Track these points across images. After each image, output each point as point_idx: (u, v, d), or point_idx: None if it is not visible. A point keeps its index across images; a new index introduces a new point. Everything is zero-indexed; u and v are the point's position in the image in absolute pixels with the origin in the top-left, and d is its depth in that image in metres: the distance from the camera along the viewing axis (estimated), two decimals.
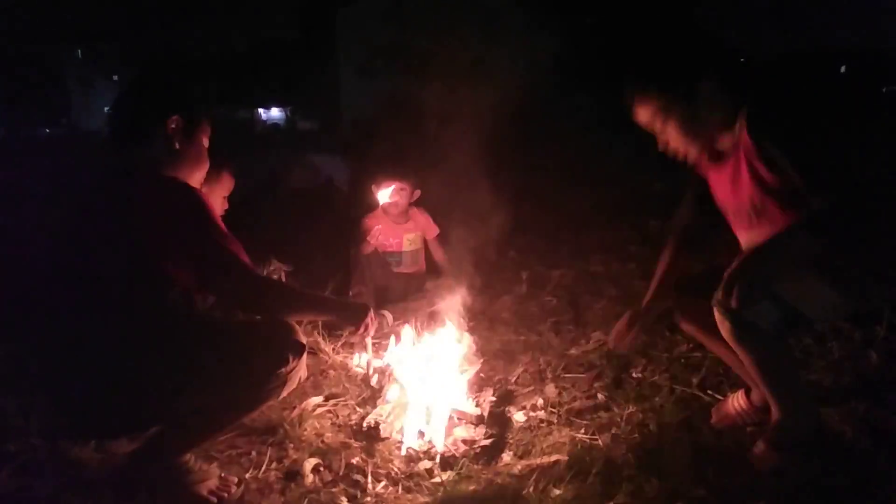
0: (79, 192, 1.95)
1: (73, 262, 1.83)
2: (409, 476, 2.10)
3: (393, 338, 3.00)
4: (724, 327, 1.86)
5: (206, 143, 2.01)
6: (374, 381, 2.72)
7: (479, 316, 3.59)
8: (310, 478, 2.08)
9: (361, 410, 2.54)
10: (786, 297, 1.83)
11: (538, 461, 2.11)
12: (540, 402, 2.58)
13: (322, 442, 2.31)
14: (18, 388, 2.48)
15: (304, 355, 1.96)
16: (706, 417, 2.36)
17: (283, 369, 1.87)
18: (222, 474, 2.06)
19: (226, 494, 1.99)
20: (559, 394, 2.65)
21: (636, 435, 2.26)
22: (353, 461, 2.17)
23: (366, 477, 2.09)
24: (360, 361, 2.99)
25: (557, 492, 1.92)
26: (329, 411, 2.56)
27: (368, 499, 2.00)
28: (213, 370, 1.80)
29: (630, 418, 2.36)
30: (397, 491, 2.03)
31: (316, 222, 5.13)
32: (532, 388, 2.73)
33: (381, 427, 2.34)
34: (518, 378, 2.84)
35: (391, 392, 2.57)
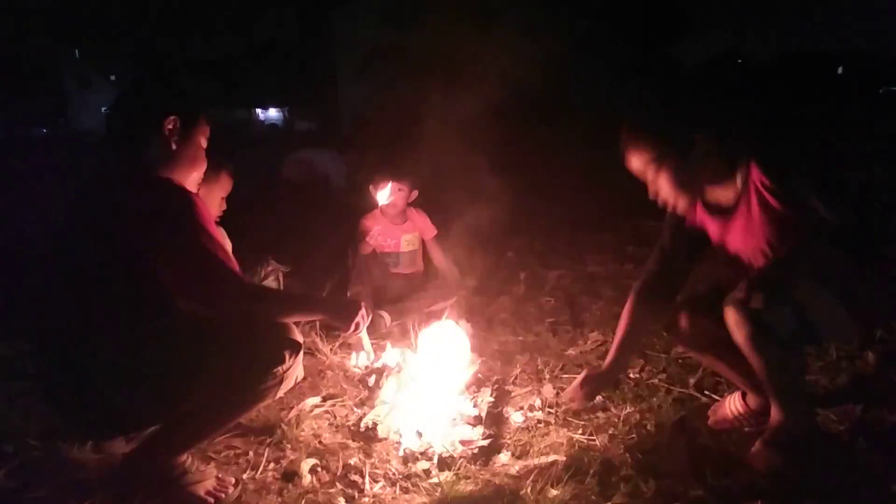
0: (74, 193, 1.95)
1: (69, 263, 1.83)
2: (407, 476, 2.10)
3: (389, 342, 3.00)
4: (741, 326, 1.84)
5: (203, 143, 2.00)
6: (371, 381, 2.72)
7: (477, 316, 3.59)
8: (307, 478, 2.08)
9: (359, 411, 2.54)
10: (808, 310, 1.82)
11: (536, 462, 2.11)
12: (537, 402, 2.58)
13: (319, 442, 2.31)
14: (15, 389, 2.48)
15: (301, 354, 1.96)
16: (703, 418, 2.37)
17: (280, 368, 1.87)
18: (219, 475, 2.05)
19: (223, 495, 1.99)
20: (557, 394, 2.65)
21: (633, 435, 2.27)
22: (351, 462, 2.17)
23: (363, 477, 2.09)
24: (357, 362, 2.99)
25: (555, 492, 1.92)
26: (327, 412, 2.55)
27: (366, 499, 2.00)
28: (209, 369, 1.80)
29: (627, 419, 2.36)
30: (395, 491, 2.03)
31: (314, 221, 5.13)
32: (530, 388, 2.74)
33: (378, 428, 2.34)
34: (516, 378, 2.84)
35: (389, 392, 2.57)
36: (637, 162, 1.99)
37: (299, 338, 1.98)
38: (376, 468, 2.15)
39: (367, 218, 3.91)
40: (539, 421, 2.44)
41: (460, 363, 2.76)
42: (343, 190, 6.04)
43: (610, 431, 2.30)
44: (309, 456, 2.19)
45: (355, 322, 2.06)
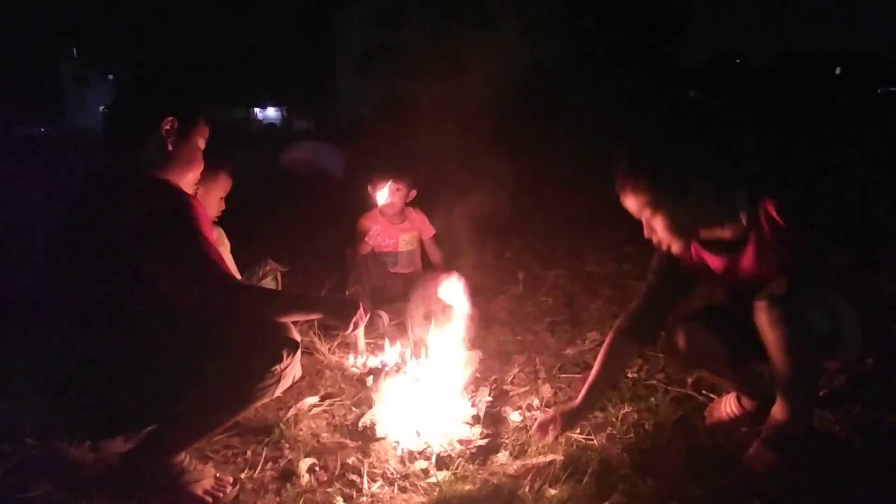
0: (72, 192, 1.95)
1: (66, 263, 1.83)
2: (405, 476, 2.10)
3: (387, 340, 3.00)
4: (777, 324, 1.80)
5: (201, 145, 1.99)
6: (369, 380, 2.72)
7: (475, 316, 3.59)
8: (305, 478, 2.08)
9: (357, 410, 2.54)
10: (841, 321, 1.82)
11: (534, 461, 2.11)
12: (536, 402, 2.58)
13: (318, 442, 2.31)
14: (13, 389, 2.47)
15: (299, 353, 1.96)
16: (701, 418, 2.37)
17: (278, 367, 1.87)
18: (217, 474, 2.05)
19: (221, 494, 1.99)
20: (555, 394, 2.66)
21: (631, 435, 2.27)
22: (349, 461, 2.17)
23: (361, 477, 2.09)
24: (355, 361, 2.99)
25: (553, 492, 1.92)
26: (325, 411, 2.56)
27: (364, 499, 1.99)
28: (207, 368, 1.80)
29: (625, 418, 2.36)
30: (393, 491, 2.03)
31: (312, 218, 5.13)
32: (528, 387, 2.74)
33: (376, 427, 2.34)
34: (514, 378, 2.85)
35: (387, 392, 2.57)
36: (632, 204, 1.95)
37: (297, 337, 1.98)
38: (374, 467, 2.15)
39: (365, 217, 3.91)
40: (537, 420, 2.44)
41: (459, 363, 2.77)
42: (341, 182, 6.05)
43: (608, 431, 2.30)
44: (307, 455, 2.19)
45: (354, 321, 2.05)
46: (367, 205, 3.92)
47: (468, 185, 3.89)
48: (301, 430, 2.37)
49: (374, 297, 3.68)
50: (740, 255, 1.97)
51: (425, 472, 2.12)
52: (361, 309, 2.08)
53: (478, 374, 2.80)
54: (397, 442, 2.26)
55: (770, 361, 1.89)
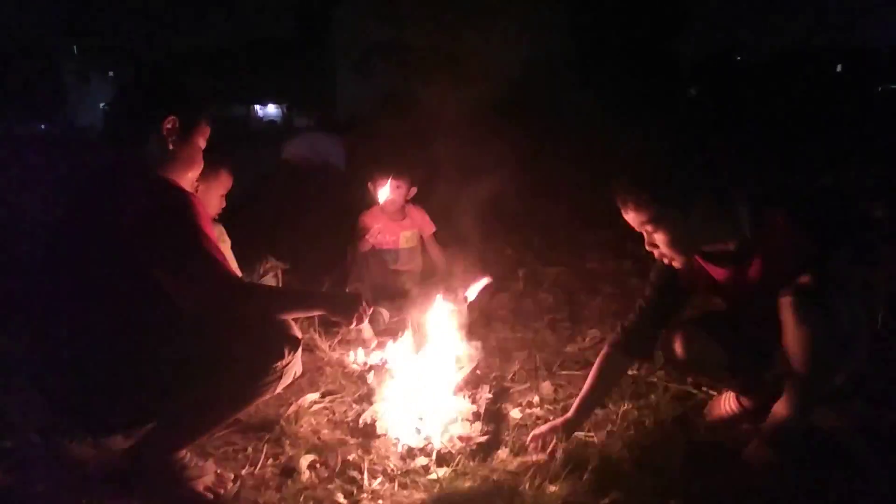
0: (71, 190, 1.95)
1: (66, 260, 1.83)
2: (406, 472, 2.10)
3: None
4: (803, 312, 1.77)
5: (202, 145, 1.99)
6: (370, 377, 2.73)
7: (476, 313, 3.59)
8: (306, 474, 2.08)
9: (358, 407, 2.54)
10: (859, 323, 1.81)
11: (534, 458, 2.12)
12: (536, 399, 2.58)
13: (318, 438, 2.32)
14: (14, 385, 2.48)
15: (300, 349, 1.96)
16: (701, 415, 2.38)
17: (280, 363, 1.88)
18: (218, 470, 2.06)
19: (222, 490, 1.99)
20: (555, 391, 2.66)
21: (631, 432, 2.27)
22: (350, 458, 2.18)
23: (362, 473, 2.09)
24: (356, 358, 2.99)
25: (553, 488, 1.92)
26: (325, 408, 2.56)
27: (365, 495, 2.00)
28: (208, 365, 1.80)
29: (625, 415, 2.36)
30: (393, 487, 2.03)
31: (314, 212, 5.13)
32: (528, 385, 2.74)
33: (377, 424, 2.35)
34: (514, 375, 2.85)
35: (388, 389, 2.57)
36: (633, 219, 1.93)
37: (298, 333, 1.98)
38: (375, 464, 2.15)
39: (366, 215, 3.91)
40: (538, 417, 2.44)
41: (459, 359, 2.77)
42: (342, 173, 6.06)
43: (608, 428, 2.30)
44: (307, 452, 2.19)
45: (357, 316, 2.05)
46: (368, 201, 3.92)
47: (468, 182, 3.89)
48: (302, 426, 2.37)
49: (374, 294, 3.68)
50: (747, 266, 1.95)
51: (426, 468, 2.12)
52: (364, 303, 2.07)
53: (478, 372, 2.81)
54: (398, 438, 2.27)
55: (787, 357, 1.86)
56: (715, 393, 2.49)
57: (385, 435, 2.31)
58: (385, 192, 3.77)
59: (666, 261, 1.98)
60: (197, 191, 2.47)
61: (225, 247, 2.81)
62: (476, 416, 2.41)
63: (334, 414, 2.52)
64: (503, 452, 2.20)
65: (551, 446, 2.13)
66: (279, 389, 1.97)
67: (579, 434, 2.26)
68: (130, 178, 1.81)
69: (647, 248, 1.98)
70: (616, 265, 4.49)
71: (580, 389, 2.60)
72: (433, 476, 2.06)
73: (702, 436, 2.24)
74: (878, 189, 5.66)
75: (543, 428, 2.21)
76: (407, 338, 2.92)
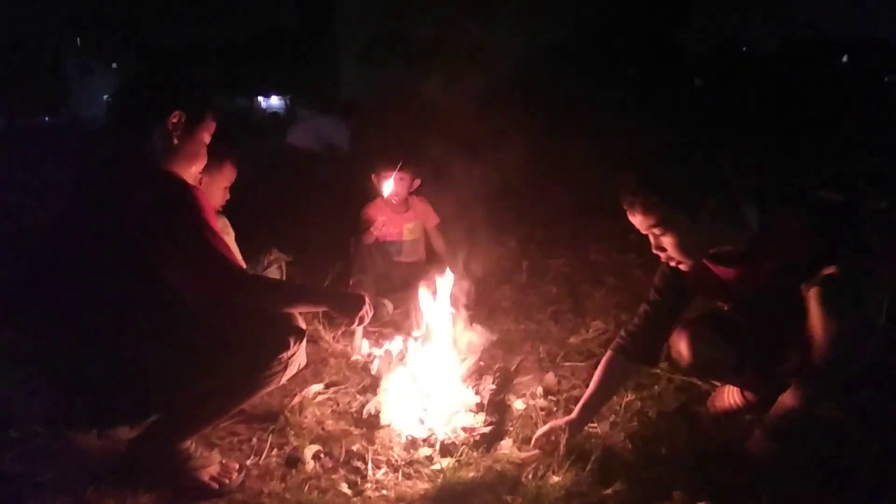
0: (75, 182, 1.95)
1: (71, 252, 1.84)
2: (409, 463, 2.11)
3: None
4: (833, 303, 1.74)
5: (206, 140, 1.99)
6: (374, 368, 2.74)
7: (480, 305, 3.60)
8: (310, 464, 2.10)
9: (362, 398, 2.55)
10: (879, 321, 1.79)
11: (537, 449, 2.12)
12: (539, 390, 2.59)
13: (322, 429, 2.33)
14: (21, 375, 2.49)
15: (304, 341, 1.97)
16: (704, 406, 2.38)
17: (285, 354, 1.89)
18: (223, 461, 2.07)
19: (227, 480, 2.00)
20: (558, 382, 2.67)
21: (635, 423, 2.28)
22: (354, 448, 2.19)
23: (366, 464, 2.10)
24: (360, 349, 3.00)
25: (556, 479, 1.93)
26: (329, 399, 2.57)
27: (368, 485, 2.01)
28: (214, 356, 1.81)
29: (629, 406, 2.37)
30: (397, 477, 2.05)
31: (317, 200, 5.14)
32: (531, 376, 2.75)
33: (381, 414, 2.36)
34: (518, 366, 2.85)
35: (392, 380, 2.58)
36: (640, 222, 1.91)
37: (303, 325, 1.99)
38: (379, 454, 2.16)
39: (369, 207, 3.91)
40: (541, 408, 2.45)
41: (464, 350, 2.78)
42: (345, 153, 6.08)
43: (611, 419, 2.31)
44: (312, 442, 2.20)
45: (359, 316, 2.06)
46: (372, 193, 3.92)
47: (472, 174, 3.88)
48: (306, 417, 2.38)
49: (378, 285, 3.69)
50: (756, 266, 1.94)
51: (429, 459, 2.13)
52: (367, 304, 2.09)
53: (482, 363, 2.81)
54: (402, 429, 2.28)
55: (806, 350, 1.83)
56: (718, 384, 2.49)
57: (389, 425, 2.32)
58: (389, 185, 3.77)
59: (673, 263, 1.97)
60: (201, 183, 2.47)
61: (229, 239, 2.81)
62: (480, 407, 2.41)
63: (338, 405, 2.53)
64: (507, 443, 2.21)
65: (557, 444, 2.14)
66: (284, 380, 1.98)
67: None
68: (134, 171, 1.81)
69: (654, 251, 1.96)
70: (620, 257, 4.48)
71: (584, 381, 2.61)
72: (437, 466, 2.07)
73: (705, 427, 2.24)
74: (883, 180, 5.64)
75: (545, 428, 2.21)
76: (410, 329, 2.93)
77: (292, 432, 2.28)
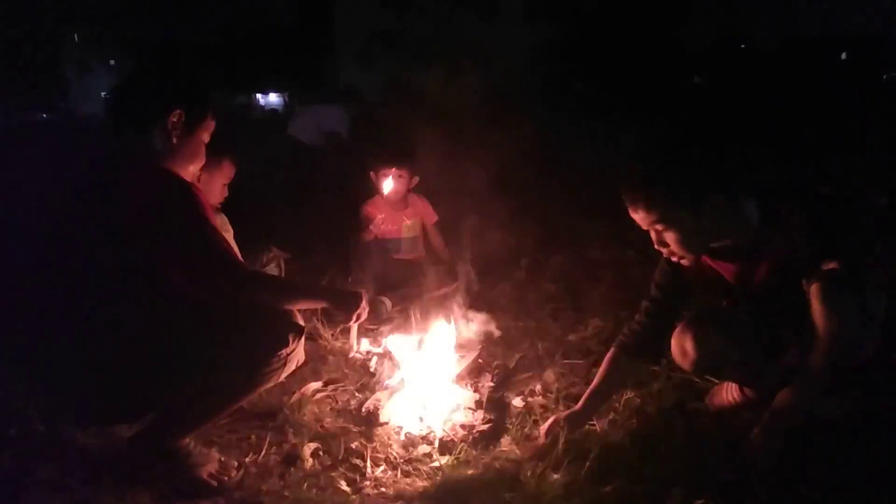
0: (74, 180, 1.95)
1: (70, 249, 1.83)
2: (408, 460, 2.12)
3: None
4: (834, 300, 1.73)
5: (206, 139, 1.99)
6: (373, 366, 2.74)
7: (479, 302, 3.60)
8: (309, 462, 2.10)
9: (360, 395, 2.55)
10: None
11: (540, 441, 2.12)
12: (538, 387, 2.59)
13: (321, 427, 2.33)
14: (19, 374, 2.49)
15: (303, 338, 1.97)
16: (703, 403, 2.38)
17: (284, 351, 1.89)
18: (222, 458, 2.07)
19: (226, 478, 2.01)
20: (557, 379, 2.67)
21: (634, 420, 2.27)
22: (353, 446, 2.19)
23: (365, 461, 2.10)
24: (358, 347, 3.00)
25: (555, 476, 1.93)
26: (328, 396, 2.57)
27: (367, 483, 2.01)
28: (213, 353, 1.81)
29: (627, 404, 2.37)
30: (396, 475, 2.05)
31: (318, 196, 5.14)
32: (530, 373, 2.75)
33: (379, 412, 2.36)
34: (516, 364, 2.85)
35: (390, 377, 2.58)
36: (642, 218, 1.91)
37: (301, 322, 1.99)
38: (378, 452, 2.16)
39: (368, 204, 3.91)
40: (540, 406, 2.45)
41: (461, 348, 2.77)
42: (345, 139, 6.10)
43: (610, 416, 2.31)
44: (311, 440, 2.20)
45: (356, 313, 2.08)
46: (370, 190, 3.92)
47: (470, 172, 3.88)
48: (305, 415, 2.38)
49: (377, 283, 3.69)
50: (756, 262, 1.94)
51: (428, 456, 2.13)
52: (364, 302, 2.10)
53: (480, 360, 2.81)
54: (400, 427, 2.28)
55: (807, 344, 1.83)
56: (717, 382, 2.49)
57: (388, 423, 2.32)
58: (388, 183, 3.77)
59: (675, 259, 1.97)
60: (199, 180, 2.46)
61: (228, 236, 2.80)
62: (478, 405, 2.41)
63: (337, 402, 2.53)
64: (505, 441, 2.21)
65: (562, 436, 2.14)
66: (282, 377, 1.98)
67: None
68: (133, 169, 1.81)
69: (656, 247, 1.96)
70: (618, 254, 4.48)
71: (582, 378, 2.61)
72: (435, 464, 2.08)
73: (704, 424, 2.24)
74: (881, 177, 5.64)
75: (550, 421, 2.21)
76: (409, 326, 2.93)
77: (291, 430, 2.28)
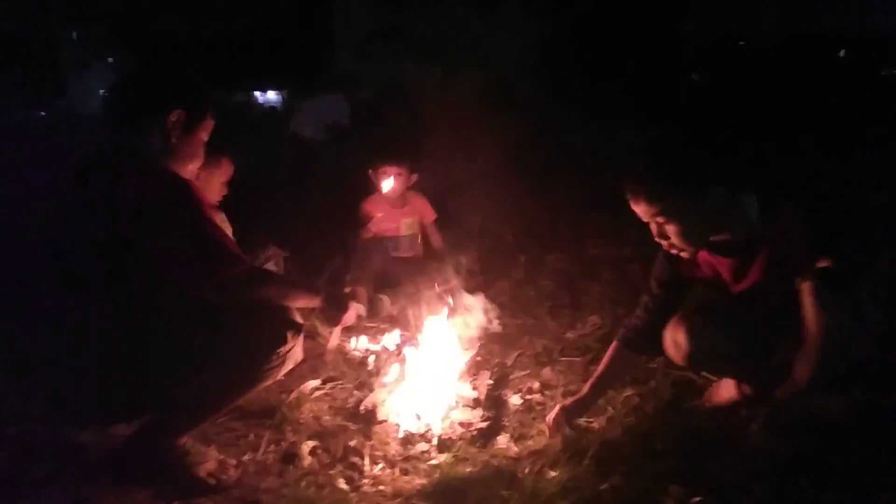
0: (73, 179, 1.94)
1: (70, 249, 1.83)
2: (406, 458, 2.12)
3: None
4: (826, 298, 1.74)
5: (205, 138, 1.99)
6: (371, 364, 2.74)
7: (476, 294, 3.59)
8: (307, 460, 2.10)
9: (359, 393, 2.56)
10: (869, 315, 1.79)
11: (534, 443, 2.13)
12: (536, 385, 2.59)
13: (320, 424, 2.33)
14: (18, 373, 2.49)
15: (301, 335, 1.97)
16: (700, 400, 2.38)
17: (282, 349, 1.89)
18: (220, 457, 2.07)
19: (224, 476, 2.00)
20: (556, 377, 2.67)
21: (631, 417, 2.27)
22: (351, 443, 2.19)
23: (363, 459, 2.10)
24: (357, 345, 3.00)
25: (553, 474, 1.93)
26: (327, 394, 2.57)
27: (366, 480, 2.01)
28: (211, 351, 1.81)
29: (625, 401, 2.37)
30: (394, 473, 2.05)
31: (317, 194, 5.14)
32: (528, 371, 2.75)
33: (378, 410, 2.36)
34: (515, 361, 2.86)
35: (389, 375, 2.58)
36: (643, 210, 1.91)
37: (300, 319, 1.99)
38: (376, 450, 2.16)
39: (367, 202, 3.91)
40: (538, 403, 2.45)
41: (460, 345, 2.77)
42: (347, 131, 6.11)
43: (608, 413, 2.31)
44: (309, 438, 2.21)
45: (343, 318, 2.17)
46: (369, 189, 3.92)
47: (468, 169, 3.88)
48: (303, 412, 2.38)
49: (375, 280, 3.69)
50: (754, 256, 1.95)
51: (427, 454, 2.14)
52: (352, 311, 2.18)
53: (479, 358, 2.82)
54: (398, 424, 2.28)
55: (799, 343, 1.84)
56: (714, 379, 2.49)
57: (386, 421, 2.32)
58: (388, 182, 3.77)
59: (675, 251, 1.97)
60: (198, 178, 2.46)
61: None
62: (477, 403, 2.42)
63: (335, 400, 2.53)
64: (503, 438, 2.21)
65: (566, 424, 2.17)
66: (280, 375, 1.99)
67: (579, 420, 2.27)
68: (131, 168, 1.81)
69: (657, 239, 1.97)
70: (617, 251, 4.47)
71: (580, 375, 2.62)
72: (434, 462, 2.08)
73: (701, 421, 2.24)
74: (881, 176, 5.64)
75: (556, 410, 2.23)
76: (408, 324, 2.93)
77: (289, 428, 2.28)
